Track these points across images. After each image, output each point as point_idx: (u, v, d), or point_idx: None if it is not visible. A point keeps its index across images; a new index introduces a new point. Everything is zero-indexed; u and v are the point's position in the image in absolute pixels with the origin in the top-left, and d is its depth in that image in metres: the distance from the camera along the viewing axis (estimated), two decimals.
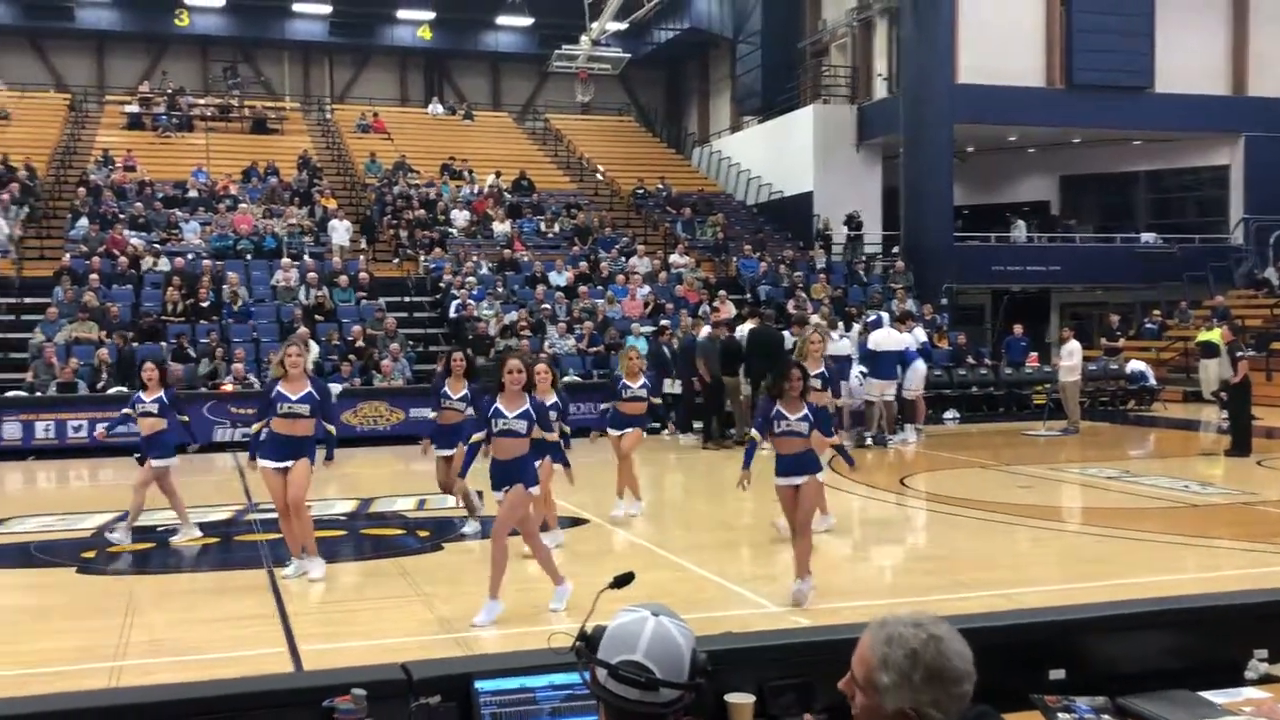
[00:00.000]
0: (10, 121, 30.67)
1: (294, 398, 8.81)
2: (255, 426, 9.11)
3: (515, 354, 8.00)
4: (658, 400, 20.27)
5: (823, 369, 10.95)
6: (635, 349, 12.46)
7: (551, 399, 9.83)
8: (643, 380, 11.52)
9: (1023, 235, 29.47)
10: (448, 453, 10.35)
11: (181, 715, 3.30)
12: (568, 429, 9.76)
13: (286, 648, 7.06)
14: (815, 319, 10.95)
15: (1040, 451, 17.36)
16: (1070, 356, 19.35)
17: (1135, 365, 22.70)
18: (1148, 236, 29.53)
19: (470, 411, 10.03)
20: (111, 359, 18.81)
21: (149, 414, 10.39)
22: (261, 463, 8.89)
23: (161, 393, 10.42)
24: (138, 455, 10.63)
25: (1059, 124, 28.40)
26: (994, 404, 22.34)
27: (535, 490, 7.79)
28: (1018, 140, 30.59)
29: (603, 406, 11.46)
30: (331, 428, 9.24)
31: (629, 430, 11.45)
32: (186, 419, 10.81)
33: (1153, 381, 22.58)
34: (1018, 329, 23.01)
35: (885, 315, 19.43)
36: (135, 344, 19.85)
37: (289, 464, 8.80)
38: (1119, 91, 27.27)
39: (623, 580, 2.92)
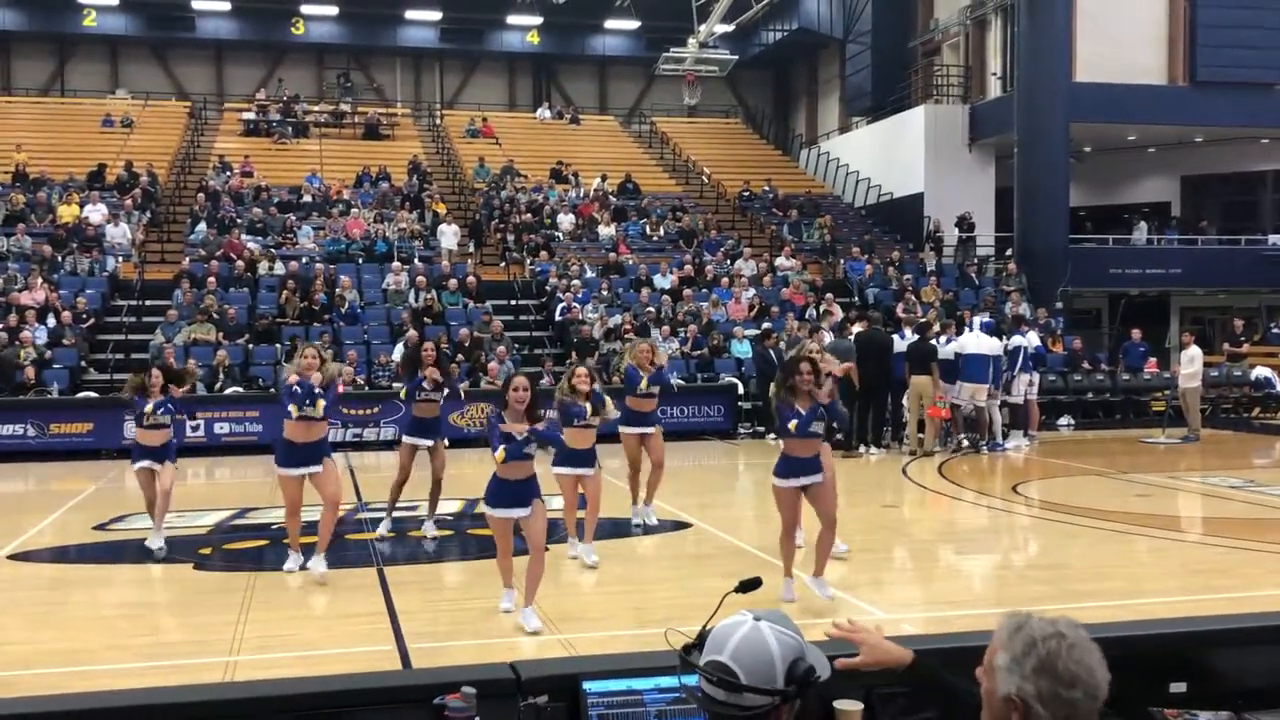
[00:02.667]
0: (134, 129, 31.74)
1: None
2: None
3: (521, 373, 7.88)
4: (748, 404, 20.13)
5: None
6: (648, 343, 11.41)
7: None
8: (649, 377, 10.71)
9: (1144, 237, 28.73)
10: (426, 443, 10.69)
11: (295, 710, 3.38)
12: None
13: (395, 646, 7.18)
14: (812, 341, 10.38)
15: (1159, 460, 16.90)
16: (1191, 362, 18.82)
17: (1260, 371, 22.01)
18: (1275, 238, 28.55)
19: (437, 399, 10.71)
20: (232, 360, 19.41)
21: (161, 425, 10.24)
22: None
23: (164, 399, 10.24)
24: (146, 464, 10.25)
25: (1181, 122, 27.62)
26: (1111, 410, 21.82)
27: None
28: (1137, 139, 29.82)
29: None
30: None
31: (649, 430, 10.78)
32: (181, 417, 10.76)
33: (1279, 388, 21.85)
34: (1136, 333, 22.44)
35: (976, 319, 19.11)
36: (251, 345, 20.43)
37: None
38: (1246, 88, 26.41)
39: (749, 585, 2.91)
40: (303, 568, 9.19)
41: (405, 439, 10.89)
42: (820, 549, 8.18)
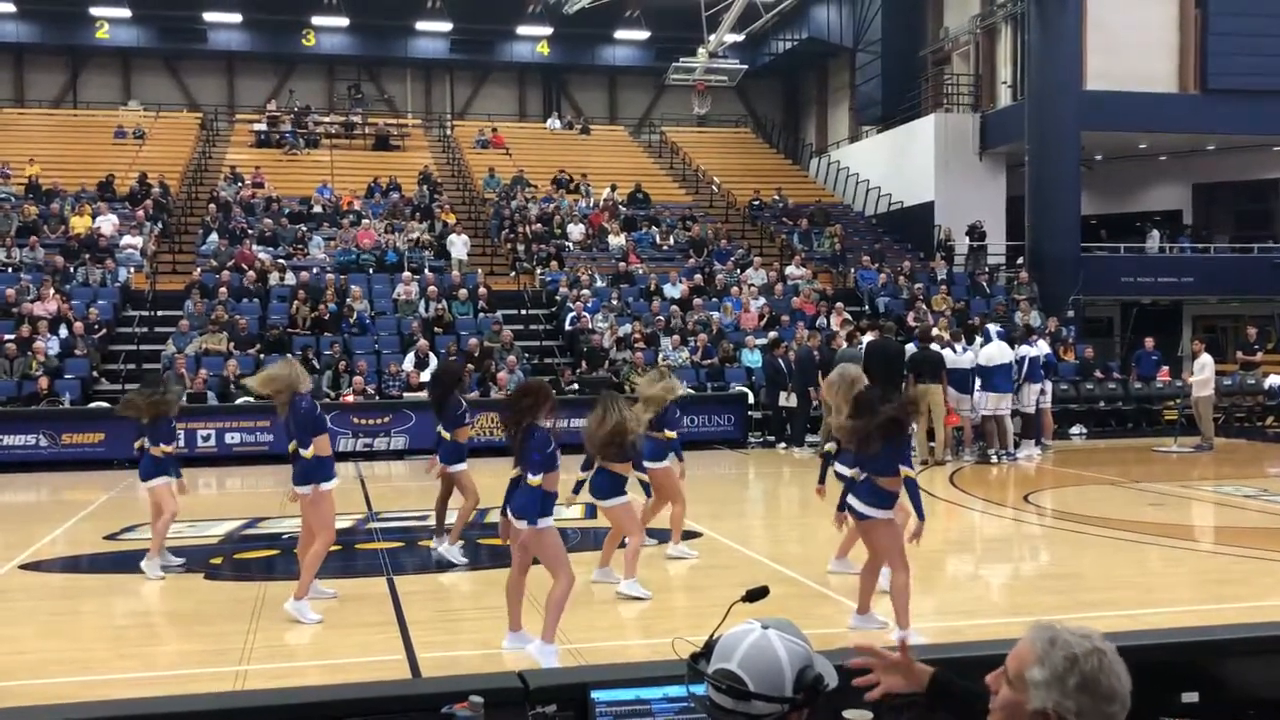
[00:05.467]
0: (146, 141, 31.88)
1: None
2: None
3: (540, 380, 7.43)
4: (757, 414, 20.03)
5: None
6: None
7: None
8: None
9: (1156, 245, 28.66)
10: (462, 467, 10.38)
11: (303, 719, 3.38)
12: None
13: (405, 655, 7.18)
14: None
15: (1172, 469, 16.84)
16: (1202, 370, 18.75)
17: (1274, 380, 21.88)
18: None
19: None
20: (243, 370, 19.45)
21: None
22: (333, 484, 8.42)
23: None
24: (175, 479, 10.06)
25: (1192, 130, 27.56)
26: (1123, 419, 21.77)
27: None
28: (1148, 147, 29.74)
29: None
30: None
31: (667, 463, 10.08)
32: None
33: None
34: (1148, 342, 22.39)
35: (994, 328, 19.08)
36: (262, 355, 20.47)
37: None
38: (1258, 95, 26.32)
39: (756, 594, 2.90)
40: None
41: (462, 465, 10.42)
42: (865, 584, 7.81)
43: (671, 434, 9.95)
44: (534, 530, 6.93)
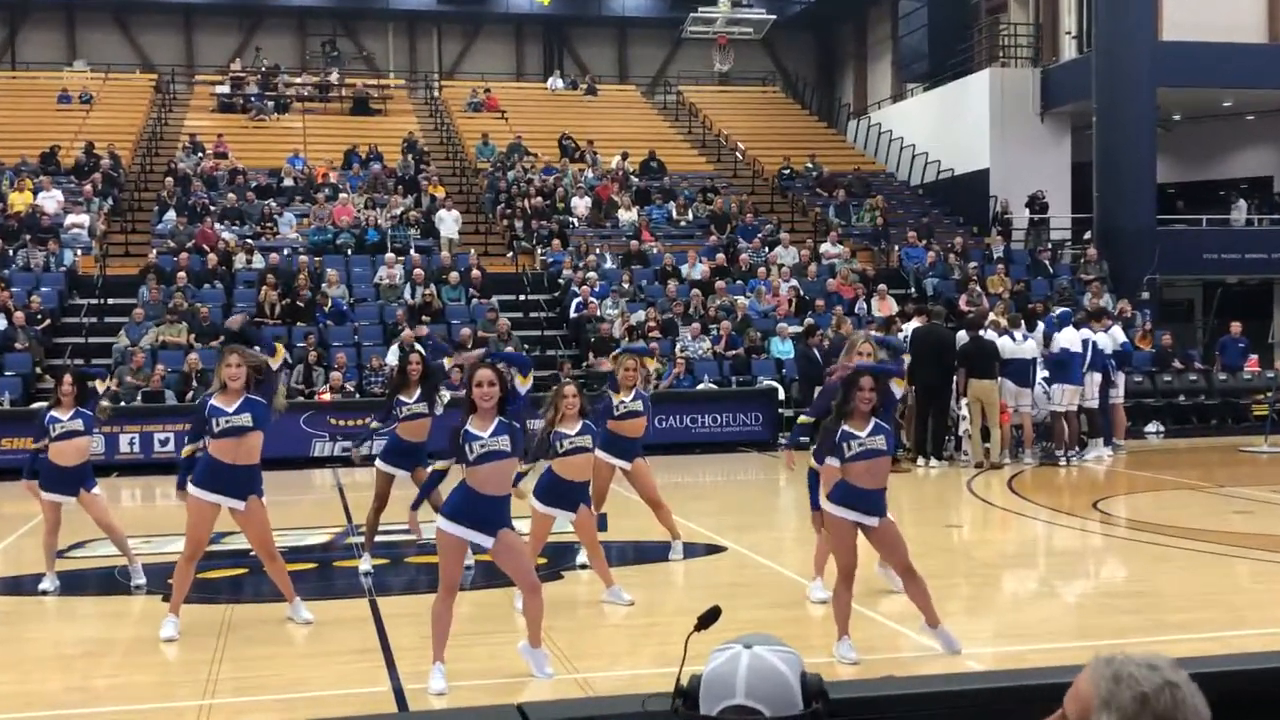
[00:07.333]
0: (94, 106, 31.94)
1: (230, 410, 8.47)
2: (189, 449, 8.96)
3: (484, 364, 7.22)
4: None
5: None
6: (634, 358, 10.77)
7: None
8: (635, 392, 10.30)
9: (1243, 217, 28.54)
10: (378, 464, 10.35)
11: None
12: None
13: (390, 686, 7.18)
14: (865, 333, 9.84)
15: (1261, 471, 16.79)
16: None
17: None
18: None
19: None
20: (205, 365, 19.50)
21: (76, 433, 9.86)
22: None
23: (78, 408, 9.90)
24: (40, 485, 10.03)
25: None
26: (1205, 415, 21.69)
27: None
28: (1233, 106, 29.63)
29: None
30: None
31: (636, 462, 10.26)
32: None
33: None
34: (1235, 327, 22.31)
35: (1064, 312, 19.01)
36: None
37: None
38: None
39: (708, 619, 2.92)
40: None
41: (381, 463, 10.33)
42: (916, 600, 7.57)
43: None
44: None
